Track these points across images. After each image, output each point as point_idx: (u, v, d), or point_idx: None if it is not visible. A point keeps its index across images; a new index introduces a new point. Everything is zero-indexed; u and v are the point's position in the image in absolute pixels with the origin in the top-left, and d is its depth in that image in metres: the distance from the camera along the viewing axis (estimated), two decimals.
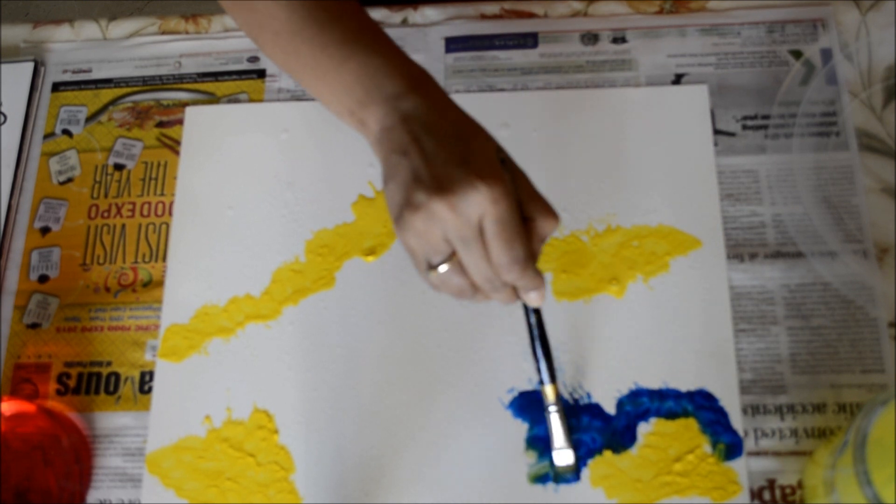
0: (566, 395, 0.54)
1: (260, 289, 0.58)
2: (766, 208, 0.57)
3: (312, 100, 0.63)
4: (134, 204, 0.62)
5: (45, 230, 0.62)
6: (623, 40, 0.63)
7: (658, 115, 0.60)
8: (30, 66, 0.67)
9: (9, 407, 0.53)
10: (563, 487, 0.52)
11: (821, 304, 0.54)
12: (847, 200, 0.56)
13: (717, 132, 0.59)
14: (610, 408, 0.53)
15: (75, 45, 0.68)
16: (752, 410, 0.53)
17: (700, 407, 0.53)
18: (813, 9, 0.62)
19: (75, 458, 0.54)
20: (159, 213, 0.62)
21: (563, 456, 0.51)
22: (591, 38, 0.63)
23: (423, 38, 0.65)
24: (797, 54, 0.61)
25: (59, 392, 0.58)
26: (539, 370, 0.49)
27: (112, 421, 0.57)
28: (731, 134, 0.59)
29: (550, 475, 0.52)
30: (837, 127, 0.58)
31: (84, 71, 0.67)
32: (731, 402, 0.53)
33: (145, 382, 0.57)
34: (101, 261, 0.61)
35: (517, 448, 0.53)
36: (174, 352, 0.58)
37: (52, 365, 0.58)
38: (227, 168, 0.62)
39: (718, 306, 0.55)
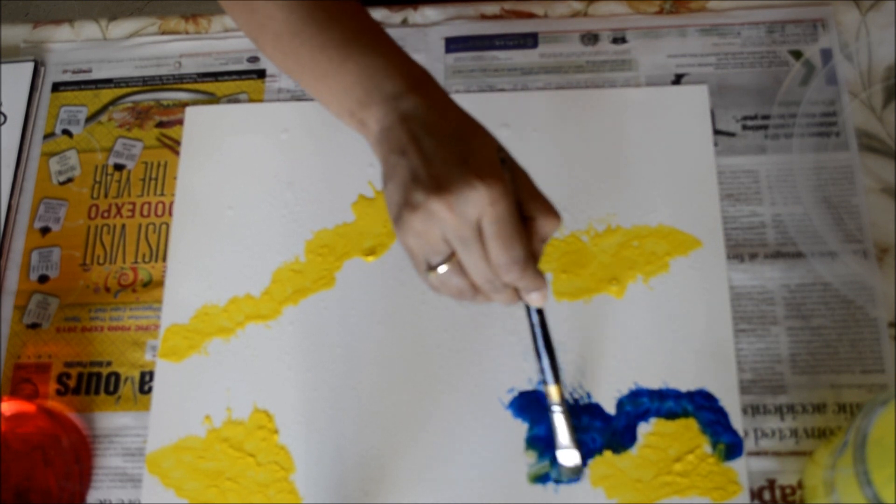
0: (566, 395, 0.54)
1: (260, 289, 0.58)
2: (766, 208, 0.57)
3: (312, 100, 0.63)
4: (134, 204, 0.62)
5: (45, 230, 0.62)
6: (623, 40, 0.63)
7: (658, 115, 0.60)
8: (30, 66, 0.67)
9: (9, 407, 0.53)
10: (563, 487, 0.52)
11: (821, 304, 0.54)
12: (847, 200, 0.56)
13: (717, 132, 0.59)
14: (610, 408, 0.53)
15: (75, 45, 0.68)
16: (752, 410, 0.53)
17: (700, 407, 0.53)
18: (813, 9, 0.62)
19: (75, 458, 0.54)
20: (159, 213, 0.62)
21: (568, 456, 0.51)
22: (591, 38, 0.63)
23: (423, 38, 0.65)
24: (797, 54, 0.61)
25: (59, 392, 0.58)
26: (542, 370, 0.49)
27: (112, 421, 0.57)
28: (731, 134, 0.59)
29: (551, 475, 0.52)
30: (837, 127, 0.58)
31: (84, 71, 0.67)
32: (731, 402, 0.53)
33: (145, 382, 0.57)
34: (101, 261, 0.61)
35: (517, 448, 0.53)
36: (174, 352, 0.58)
37: (52, 365, 0.58)
38: (227, 168, 0.62)
39: (718, 306, 0.55)
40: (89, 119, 0.65)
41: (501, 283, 0.42)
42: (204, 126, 0.64)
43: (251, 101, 0.64)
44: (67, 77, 0.67)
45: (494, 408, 0.54)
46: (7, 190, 0.63)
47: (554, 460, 0.52)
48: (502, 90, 0.62)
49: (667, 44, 0.62)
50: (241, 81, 0.65)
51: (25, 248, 0.62)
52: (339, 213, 0.60)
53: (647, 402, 0.53)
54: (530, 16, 0.65)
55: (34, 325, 0.59)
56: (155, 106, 0.65)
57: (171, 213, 0.61)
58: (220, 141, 0.63)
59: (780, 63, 0.61)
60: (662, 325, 0.55)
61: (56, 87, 0.67)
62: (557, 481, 0.52)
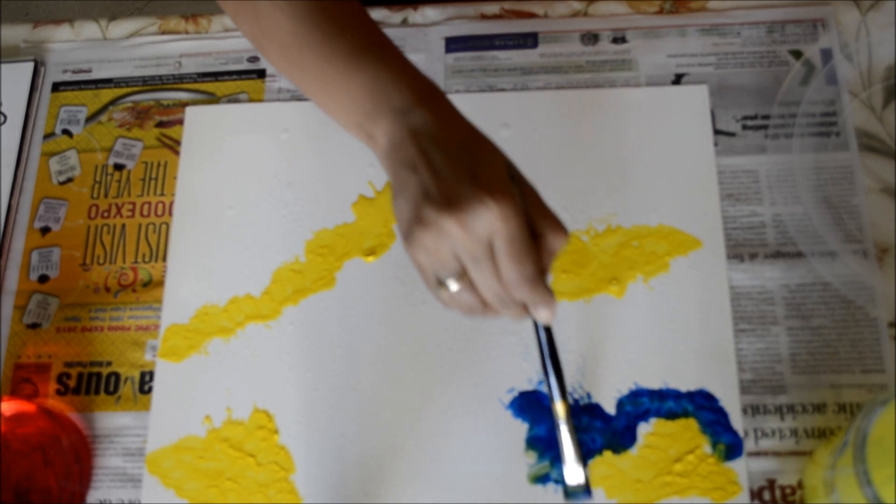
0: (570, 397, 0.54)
1: (260, 289, 0.58)
2: (766, 208, 0.57)
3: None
4: (134, 204, 0.62)
5: (45, 230, 0.62)
6: (623, 40, 0.63)
7: (658, 115, 0.60)
8: (30, 66, 0.67)
9: (9, 407, 0.53)
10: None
11: (821, 304, 0.54)
12: (847, 200, 0.56)
13: (717, 132, 0.59)
14: (610, 408, 0.53)
15: (75, 45, 0.68)
16: (752, 410, 0.53)
17: (700, 407, 0.53)
18: (813, 9, 0.62)
19: (75, 458, 0.54)
20: (159, 213, 0.62)
21: (573, 474, 0.49)
22: (591, 38, 0.63)
23: (423, 38, 0.65)
24: (797, 54, 0.61)
25: (59, 392, 0.58)
26: (549, 386, 0.49)
27: (112, 421, 0.57)
28: (731, 134, 0.59)
29: (551, 476, 0.52)
30: (837, 127, 0.58)
31: (84, 71, 0.67)
32: (731, 402, 0.53)
33: (145, 382, 0.57)
34: (101, 261, 0.61)
35: (517, 448, 0.53)
36: (174, 352, 0.58)
37: (52, 365, 0.58)
38: (227, 168, 0.62)
39: (718, 306, 0.55)
40: (89, 119, 0.65)
41: (511, 300, 0.42)
42: (204, 126, 0.64)
43: (251, 100, 0.64)
44: (67, 77, 0.67)
45: (494, 408, 0.54)
46: (7, 190, 0.63)
47: (555, 464, 0.52)
48: (502, 90, 0.62)
49: (667, 44, 0.62)
50: (241, 81, 0.65)
51: (25, 248, 0.62)
52: (339, 213, 0.60)
53: (647, 402, 0.53)
54: (530, 16, 0.65)
55: (34, 325, 0.59)
56: (155, 106, 0.65)
57: (171, 213, 0.61)
58: (220, 141, 0.63)
59: (780, 63, 0.61)
60: (662, 325, 0.55)
61: (56, 86, 0.67)
62: (567, 494, 0.51)
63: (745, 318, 0.55)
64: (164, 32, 0.67)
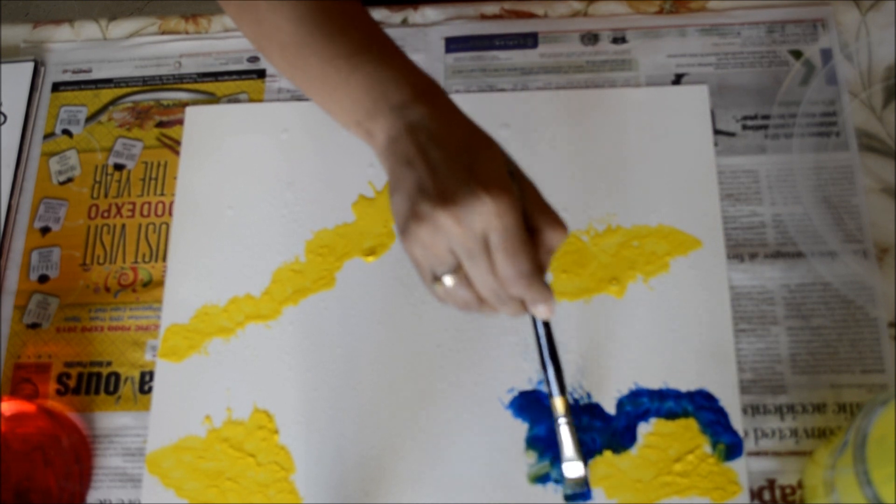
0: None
1: (260, 289, 0.58)
2: (766, 208, 0.57)
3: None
4: (134, 204, 0.62)
5: (45, 230, 0.62)
6: (623, 40, 0.63)
7: (658, 115, 0.60)
8: (30, 66, 0.67)
9: (9, 407, 0.53)
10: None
11: (821, 304, 0.54)
12: (847, 200, 0.56)
13: (717, 132, 0.59)
14: (610, 408, 0.53)
15: (75, 45, 0.68)
16: (752, 410, 0.53)
17: (700, 407, 0.53)
18: (813, 9, 0.62)
19: (75, 458, 0.54)
20: (159, 213, 0.62)
21: (573, 468, 0.50)
22: (591, 38, 0.63)
23: (423, 38, 0.65)
24: (797, 54, 0.61)
25: (59, 392, 0.58)
26: (548, 382, 0.49)
27: (112, 421, 0.57)
28: (731, 134, 0.59)
29: (552, 476, 0.52)
30: (837, 127, 0.58)
31: (84, 71, 0.67)
32: (731, 403, 0.53)
33: (145, 382, 0.57)
34: (101, 261, 0.61)
35: (517, 448, 0.53)
36: (174, 352, 0.58)
37: (52, 365, 0.58)
38: (227, 168, 0.62)
39: (718, 306, 0.55)
40: (89, 119, 0.65)
41: (507, 296, 0.42)
42: (204, 126, 0.64)
43: (251, 100, 0.64)
44: (67, 77, 0.67)
45: (494, 408, 0.54)
46: (7, 190, 0.63)
47: (555, 464, 0.52)
48: (502, 90, 0.62)
49: (667, 44, 0.62)
50: (241, 81, 0.65)
51: (25, 247, 0.62)
52: (339, 213, 0.60)
53: (647, 402, 0.53)
54: (530, 16, 0.65)
55: (34, 325, 0.59)
56: (155, 106, 0.65)
57: (171, 213, 0.61)
58: (220, 141, 0.63)
59: (780, 63, 0.61)
60: (662, 325, 0.55)
61: (56, 87, 0.67)
62: (567, 497, 0.51)
63: (745, 318, 0.55)
64: (164, 32, 0.67)
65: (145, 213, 0.62)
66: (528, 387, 0.54)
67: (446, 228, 0.39)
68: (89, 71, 0.67)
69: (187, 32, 0.67)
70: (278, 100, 0.64)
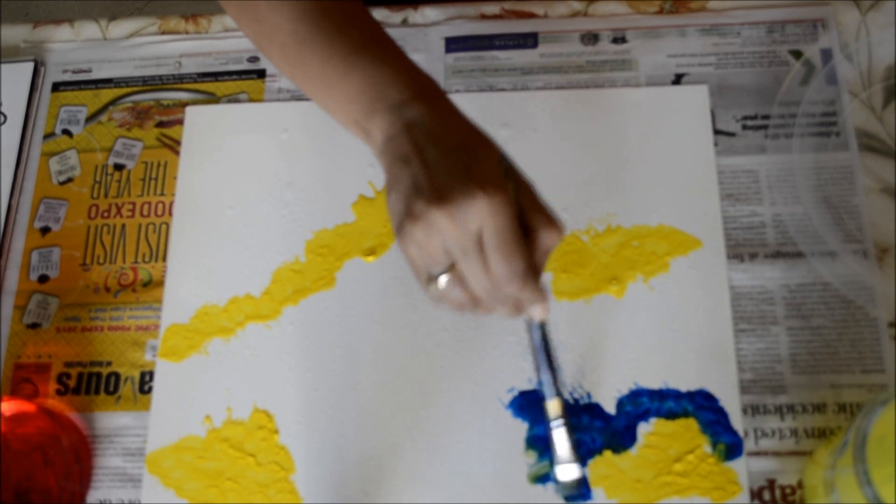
0: (566, 395, 0.54)
1: (260, 289, 0.58)
2: (766, 208, 0.57)
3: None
4: (134, 204, 0.62)
5: (45, 230, 0.62)
6: (623, 40, 0.63)
7: (658, 115, 0.60)
8: (30, 66, 0.67)
9: (9, 407, 0.53)
10: None
11: (821, 304, 0.54)
12: (847, 200, 0.56)
13: (717, 132, 0.59)
14: (610, 408, 0.53)
15: (75, 45, 0.68)
16: (752, 410, 0.53)
17: (700, 407, 0.53)
18: (813, 9, 0.62)
19: (75, 458, 0.54)
20: (159, 213, 0.62)
21: (567, 471, 0.48)
22: (591, 38, 0.63)
23: (423, 38, 0.65)
24: (797, 54, 0.61)
25: (59, 392, 0.58)
26: (543, 384, 0.48)
27: (112, 421, 0.57)
28: (731, 134, 0.59)
29: (551, 476, 0.52)
30: (837, 127, 0.58)
31: (84, 71, 0.67)
32: (731, 402, 0.53)
33: (145, 382, 0.57)
34: (101, 261, 0.61)
35: (517, 448, 0.53)
36: (174, 352, 0.58)
37: (52, 365, 0.58)
38: (227, 168, 0.62)
39: (718, 306, 0.55)
40: (89, 119, 0.65)
41: (502, 296, 0.41)
42: (204, 126, 0.64)
43: (251, 100, 0.64)
44: (67, 77, 0.67)
45: (494, 408, 0.54)
46: (7, 190, 0.63)
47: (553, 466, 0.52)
48: (502, 90, 0.62)
49: (667, 44, 0.62)
50: (241, 81, 0.65)
51: (25, 247, 0.62)
52: (339, 213, 0.60)
53: (647, 402, 0.53)
54: (530, 16, 0.65)
55: (34, 325, 0.59)
56: (155, 106, 0.65)
57: (171, 213, 0.61)
58: (220, 141, 0.63)
59: (780, 63, 0.61)
60: (662, 325, 0.55)
61: (56, 87, 0.67)
62: (566, 499, 0.51)
63: (745, 318, 0.55)
64: (164, 32, 0.67)
65: (145, 213, 0.62)
66: (528, 387, 0.54)
67: (441, 227, 0.39)
68: (89, 71, 0.67)
69: (187, 32, 0.67)
70: (278, 100, 0.64)
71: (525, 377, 0.54)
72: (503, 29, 0.64)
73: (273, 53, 0.48)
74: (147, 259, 0.60)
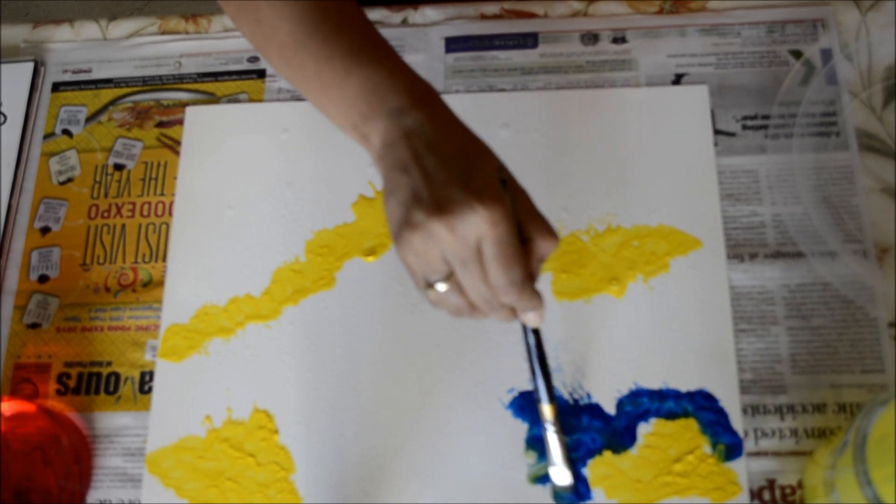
0: (566, 395, 0.54)
1: (260, 289, 0.58)
2: (766, 208, 0.57)
3: None
4: (134, 204, 0.62)
5: (45, 230, 0.62)
6: (623, 40, 0.63)
7: (658, 115, 0.60)
8: (30, 66, 0.67)
9: (9, 407, 0.53)
10: None
11: (821, 304, 0.54)
12: (847, 200, 0.56)
13: (717, 132, 0.59)
14: (610, 408, 0.53)
15: (75, 45, 0.68)
16: (752, 410, 0.53)
17: (700, 407, 0.53)
18: (813, 9, 0.62)
19: (75, 458, 0.54)
20: (159, 213, 0.62)
21: (560, 475, 0.50)
22: (591, 38, 0.63)
23: (423, 38, 0.65)
24: (797, 54, 0.61)
25: (59, 392, 0.58)
26: (537, 389, 0.49)
27: (112, 421, 0.57)
28: (731, 134, 0.59)
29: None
30: (837, 127, 0.58)
31: (84, 71, 0.67)
32: (731, 403, 0.53)
33: (145, 382, 0.57)
34: (101, 261, 0.61)
35: (517, 448, 0.53)
36: (174, 352, 0.58)
37: (52, 365, 0.58)
38: (227, 168, 0.62)
39: (718, 306, 0.55)
40: (89, 119, 0.65)
41: (499, 303, 0.42)
42: (204, 126, 0.64)
43: (251, 101, 0.64)
44: (67, 77, 0.67)
45: (494, 408, 0.54)
46: (7, 190, 0.63)
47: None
48: (502, 90, 0.62)
49: (667, 44, 0.62)
50: (241, 81, 0.65)
51: (25, 247, 0.62)
52: (339, 213, 0.60)
53: (647, 403, 0.53)
54: (530, 16, 0.65)
55: (34, 325, 0.59)
56: (155, 106, 0.65)
57: (171, 213, 0.61)
58: (220, 141, 0.63)
59: (780, 63, 0.61)
60: (662, 325, 0.55)
61: (56, 87, 0.67)
62: (555, 496, 0.52)
63: (745, 318, 0.55)
64: (164, 32, 0.67)
65: (145, 213, 0.62)
66: (528, 387, 0.54)
67: (440, 237, 0.39)
68: (89, 71, 0.67)
69: (187, 32, 0.67)
70: (278, 100, 0.64)
71: (525, 377, 0.54)
72: (503, 29, 0.64)
73: (271, 54, 0.48)
74: (147, 259, 0.60)
